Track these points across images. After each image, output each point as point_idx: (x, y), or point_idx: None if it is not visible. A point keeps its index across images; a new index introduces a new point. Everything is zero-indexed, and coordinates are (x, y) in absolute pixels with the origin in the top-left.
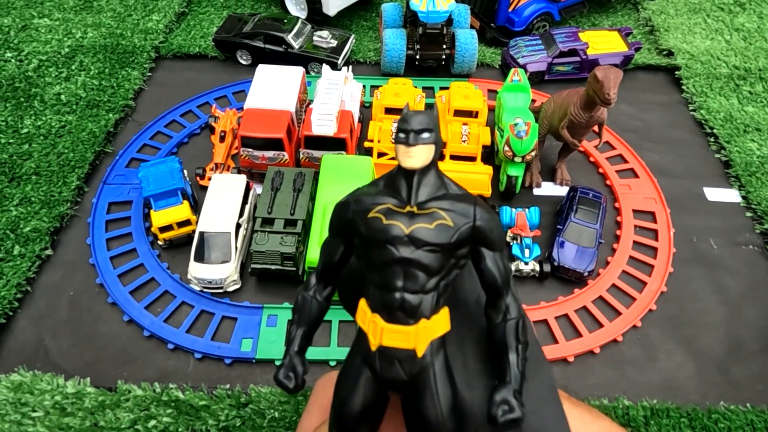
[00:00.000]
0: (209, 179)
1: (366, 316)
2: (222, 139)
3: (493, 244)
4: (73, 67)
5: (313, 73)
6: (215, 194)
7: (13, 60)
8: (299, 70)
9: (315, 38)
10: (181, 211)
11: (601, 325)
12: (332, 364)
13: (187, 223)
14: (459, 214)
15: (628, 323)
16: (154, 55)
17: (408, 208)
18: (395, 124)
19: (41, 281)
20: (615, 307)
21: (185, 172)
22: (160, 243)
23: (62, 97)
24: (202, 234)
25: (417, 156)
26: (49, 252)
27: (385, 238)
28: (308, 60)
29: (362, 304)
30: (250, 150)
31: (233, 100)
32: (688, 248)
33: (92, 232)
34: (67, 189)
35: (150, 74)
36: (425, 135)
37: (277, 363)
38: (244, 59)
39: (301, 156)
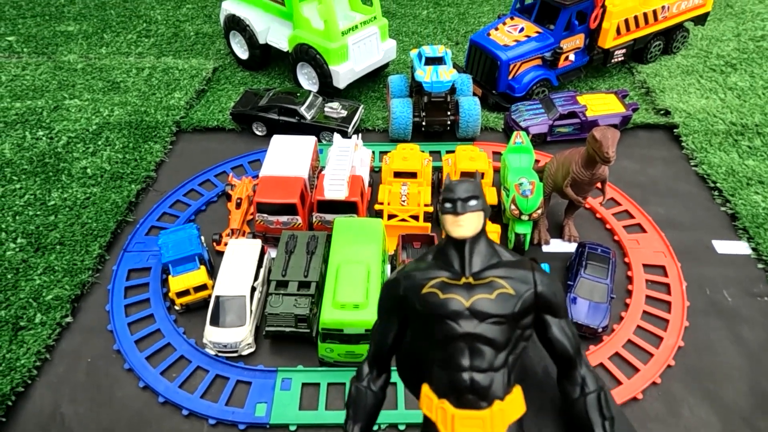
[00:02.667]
0: (225, 244)
1: (432, 404)
2: (238, 205)
3: (557, 310)
4: (100, 143)
5: (324, 142)
6: (231, 258)
7: (44, 138)
8: (311, 139)
9: (326, 109)
10: (198, 276)
11: (619, 383)
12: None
13: (203, 287)
14: (519, 281)
15: (648, 379)
16: (175, 129)
17: (464, 280)
18: (404, 187)
19: (60, 348)
20: (632, 364)
21: (203, 238)
22: (177, 308)
23: (88, 170)
24: (218, 298)
25: (467, 225)
26: (69, 319)
27: (444, 314)
28: (320, 129)
29: (426, 389)
30: (265, 215)
31: (249, 168)
32: (702, 301)
33: (111, 299)
34: (89, 257)
35: (171, 147)
36: (473, 202)
37: (292, 428)
38: (259, 131)
39: (314, 220)
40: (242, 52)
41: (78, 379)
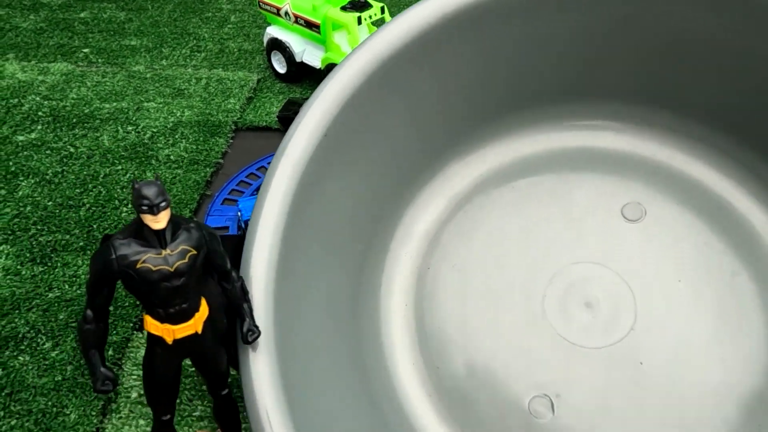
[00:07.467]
0: None
1: (159, 327)
2: None
3: (216, 249)
4: (177, 137)
5: None
6: None
7: (132, 132)
8: None
9: None
10: None
11: None
12: None
13: None
14: (197, 242)
15: None
16: (234, 127)
17: (164, 253)
18: None
19: None
20: None
21: None
22: None
23: (171, 157)
24: None
25: (163, 220)
26: None
27: (159, 278)
28: None
29: (149, 319)
30: None
31: None
32: None
33: None
34: None
35: (231, 141)
36: (164, 204)
37: None
38: None
39: None
40: (281, 67)
41: None
